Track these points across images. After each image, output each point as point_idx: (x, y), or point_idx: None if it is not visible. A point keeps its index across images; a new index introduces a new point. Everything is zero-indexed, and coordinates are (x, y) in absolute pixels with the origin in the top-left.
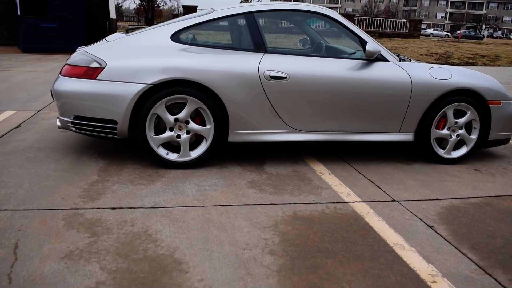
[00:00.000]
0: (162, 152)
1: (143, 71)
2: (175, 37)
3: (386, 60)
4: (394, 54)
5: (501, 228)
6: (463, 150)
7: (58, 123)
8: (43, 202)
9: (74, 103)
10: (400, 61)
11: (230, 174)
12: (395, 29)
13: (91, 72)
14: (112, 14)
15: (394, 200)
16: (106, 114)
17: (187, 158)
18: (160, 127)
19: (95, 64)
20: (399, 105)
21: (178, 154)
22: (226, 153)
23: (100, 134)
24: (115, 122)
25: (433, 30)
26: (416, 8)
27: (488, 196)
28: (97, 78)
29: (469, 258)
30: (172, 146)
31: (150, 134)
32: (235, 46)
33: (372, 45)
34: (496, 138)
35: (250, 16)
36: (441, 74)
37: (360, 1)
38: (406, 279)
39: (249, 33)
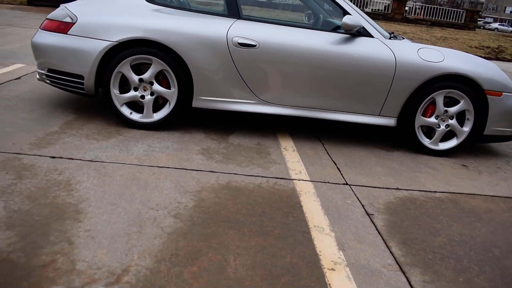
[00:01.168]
0: (125, 111)
1: (110, 28)
2: None
3: (370, 36)
4: (388, 32)
5: (450, 227)
6: (452, 143)
7: (37, 76)
8: None
9: (48, 56)
10: (390, 38)
11: (189, 140)
12: (450, 18)
13: (63, 27)
14: None
15: (346, 184)
16: (74, 69)
17: (150, 120)
18: (127, 86)
19: (67, 19)
20: (380, 85)
21: (141, 114)
22: (206, 118)
23: (70, 88)
24: (82, 77)
25: (499, 24)
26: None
27: (459, 193)
28: (68, 33)
29: (391, 252)
30: (139, 106)
31: (114, 92)
32: (209, 11)
33: (351, 17)
34: (494, 134)
35: None
36: (431, 56)
37: None
38: (302, 262)
39: None
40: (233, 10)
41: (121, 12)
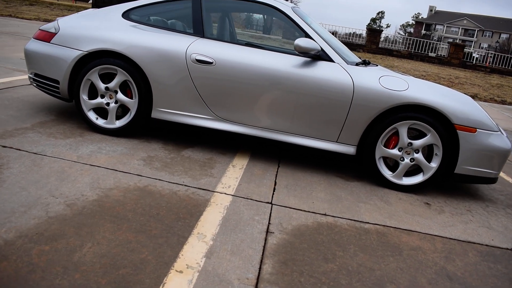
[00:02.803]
0: (92, 116)
1: (84, 39)
2: (126, 14)
3: (331, 60)
4: (363, 59)
5: (353, 257)
6: (417, 178)
7: (29, 80)
8: None
9: (34, 62)
10: (357, 65)
11: (143, 147)
12: None
13: (48, 36)
14: None
15: (269, 203)
16: (52, 74)
17: (112, 126)
18: (96, 94)
19: (52, 30)
20: (337, 111)
21: (106, 120)
22: (181, 132)
23: (49, 91)
24: (58, 82)
25: None
26: None
27: (394, 227)
28: (51, 42)
29: (260, 268)
30: (107, 113)
31: (83, 97)
32: (177, 28)
33: (305, 40)
34: (466, 173)
35: (196, 1)
36: (394, 84)
37: (499, 38)
38: (155, 260)
39: (192, 17)
40: (197, 29)
41: (97, 26)
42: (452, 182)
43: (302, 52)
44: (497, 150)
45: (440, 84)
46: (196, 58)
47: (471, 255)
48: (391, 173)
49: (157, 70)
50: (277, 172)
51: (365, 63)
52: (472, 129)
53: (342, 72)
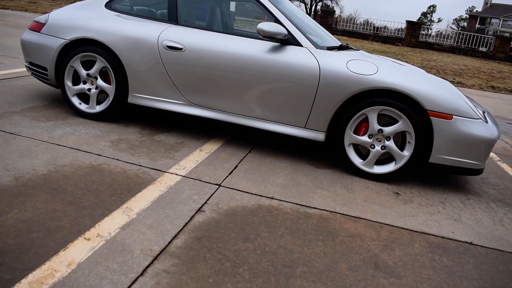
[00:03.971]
0: (75, 101)
1: (67, 28)
2: (109, 4)
3: (299, 44)
4: (343, 44)
5: (278, 239)
6: (389, 167)
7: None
8: None
9: (28, 51)
10: (330, 49)
11: (118, 131)
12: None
13: (39, 27)
14: None
15: (217, 184)
16: (42, 61)
17: (93, 110)
18: (80, 80)
19: (42, 20)
20: (304, 97)
21: (87, 105)
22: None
23: (41, 78)
24: (46, 69)
25: None
26: None
27: (342, 214)
28: (40, 31)
29: (170, 242)
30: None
31: (67, 83)
32: (154, 16)
33: (269, 24)
34: (442, 163)
35: None
36: (362, 68)
37: None
38: (69, 227)
39: (167, 5)
40: (172, 17)
41: (81, 17)
42: (436, 173)
43: (266, 36)
44: (477, 138)
45: (480, 78)
46: (167, 44)
47: (417, 245)
48: (362, 161)
49: (132, 57)
50: (244, 157)
51: (342, 47)
52: (448, 115)
53: (309, 57)
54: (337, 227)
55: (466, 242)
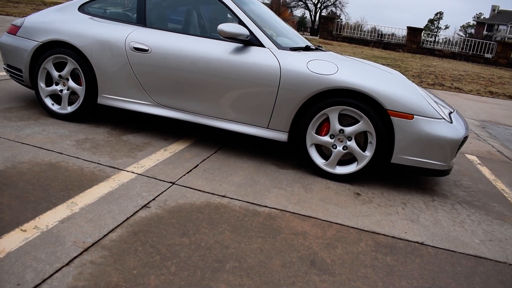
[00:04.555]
0: (48, 102)
1: (40, 31)
2: (82, 8)
3: (261, 45)
4: (312, 45)
5: (217, 235)
6: (351, 168)
7: None
8: None
9: (5, 53)
10: (296, 50)
11: (87, 131)
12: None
13: (15, 30)
14: None
15: (171, 183)
16: (17, 63)
17: (65, 111)
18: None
19: (18, 24)
20: (265, 96)
21: (59, 106)
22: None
23: (17, 80)
24: (21, 70)
25: None
26: None
27: (291, 213)
28: (16, 34)
29: (105, 236)
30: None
31: (40, 84)
32: (123, 19)
33: (230, 25)
34: (406, 164)
35: None
36: (322, 68)
37: None
38: (10, 221)
39: (136, 8)
40: (140, 19)
41: (54, 20)
42: (404, 175)
43: (227, 37)
44: (440, 139)
45: (479, 83)
46: (134, 46)
47: (363, 244)
48: (324, 161)
49: (101, 58)
50: (208, 157)
51: (309, 48)
52: (409, 115)
53: (270, 57)
54: (282, 225)
55: (417, 242)
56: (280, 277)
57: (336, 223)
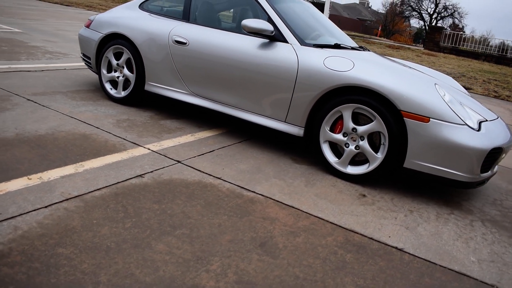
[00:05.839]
0: (107, 86)
1: (105, 25)
2: (142, 5)
3: (285, 41)
4: (361, 46)
5: (176, 204)
6: (361, 169)
7: None
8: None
9: (81, 44)
10: (316, 46)
11: (132, 113)
12: None
13: (89, 24)
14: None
15: (177, 161)
16: (87, 52)
17: (119, 95)
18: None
19: (92, 18)
20: (283, 91)
21: (116, 90)
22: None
23: (88, 67)
24: (90, 58)
25: None
26: None
27: (275, 200)
28: (89, 27)
29: (90, 192)
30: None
31: (102, 71)
32: (173, 15)
33: (255, 21)
34: (420, 170)
35: None
36: (338, 64)
37: None
38: (24, 171)
39: (183, 5)
40: (185, 15)
41: (118, 15)
42: (440, 186)
43: (250, 31)
44: (460, 146)
45: (492, 82)
46: (175, 39)
47: (330, 239)
48: (337, 159)
49: (148, 50)
50: (229, 145)
51: (339, 46)
52: (425, 118)
53: (290, 52)
54: (257, 209)
55: (395, 247)
56: (220, 249)
57: (316, 216)
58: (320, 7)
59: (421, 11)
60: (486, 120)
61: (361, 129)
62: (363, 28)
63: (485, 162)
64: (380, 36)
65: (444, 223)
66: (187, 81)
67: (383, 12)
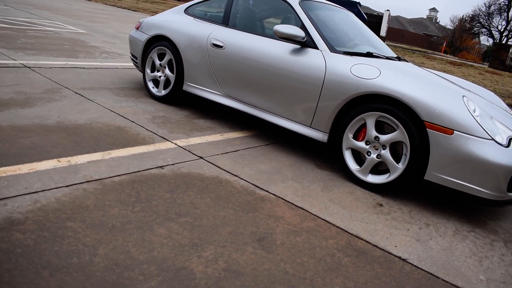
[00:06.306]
0: (150, 85)
1: (152, 27)
2: (187, 10)
3: (316, 47)
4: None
5: (187, 196)
6: (381, 178)
7: None
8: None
9: (130, 44)
10: (346, 54)
11: (169, 111)
12: None
13: (138, 26)
14: (382, 33)
15: (200, 157)
16: (135, 52)
17: (160, 94)
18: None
19: (141, 20)
20: (310, 96)
21: (157, 89)
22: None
23: (135, 66)
24: (137, 58)
25: None
26: None
27: (285, 201)
28: (138, 29)
29: (110, 178)
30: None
31: (147, 70)
32: (214, 20)
33: (287, 27)
34: (441, 183)
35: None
36: (364, 72)
37: None
38: (56, 154)
39: (224, 10)
40: (225, 20)
41: (165, 19)
42: (465, 202)
43: (282, 37)
44: (485, 162)
45: None
46: (213, 42)
47: (332, 242)
48: (358, 167)
49: (188, 51)
50: (255, 147)
51: (371, 55)
52: (448, 130)
53: (319, 59)
54: (265, 207)
55: (398, 257)
56: (217, 239)
57: (323, 219)
58: (380, 19)
59: (491, 28)
60: None
61: (383, 138)
62: (427, 43)
63: None
64: (445, 52)
65: (461, 240)
66: (221, 83)
67: (451, 28)
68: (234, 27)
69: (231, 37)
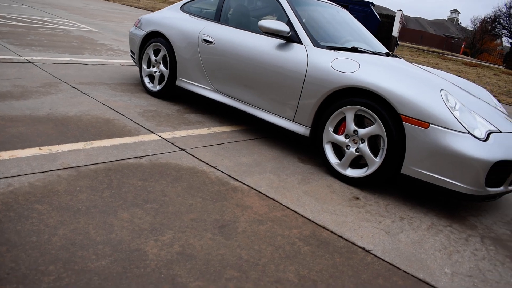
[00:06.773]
0: (146, 80)
1: (148, 23)
2: (182, 7)
3: (300, 42)
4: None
5: (160, 184)
6: (359, 172)
7: None
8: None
9: (130, 41)
10: (329, 48)
11: (161, 106)
12: None
13: (137, 22)
14: (395, 32)
15: (181, 149)
16: (133, 48)
17: (154, 89)
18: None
19: (140, 17)
20: (293, 90)
21: (152, 84)
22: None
23: (134, 62)
24: (135, 54)
25: None
26: None
27: (258, 191)
28: (137, 26)
29: (91, 165)
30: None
31: (143, 66)
32: (207, 16)
33: (270, 21)
34: (417, 177)
35: None
36: (344, 66)
37: None
38: (39, 142)
39: (216, 7)
40: (217, 16)
41: (161, 16)
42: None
43: (267, 32)
44: (461, 156)
45: None
46: (203, 38)
47: (296, 231)
48: (338, 161)
49: (181, 47)
50: (241, 141)
51: (355, 50)
52: (424, 123)
53: (302, 53)
54: (235, 197)
55: (362, 248)
56: (179, 225)
57: (292, 210)
58: (393, 19)
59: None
60: (500, 132)
61: (362, 131)
62: (447, 45)
63: (493, 175)
64: (464, 54)
65: (434, 234)
66: (211, 78)
67: (472, 29)
68: (225, 23)
69: (221, 33)
